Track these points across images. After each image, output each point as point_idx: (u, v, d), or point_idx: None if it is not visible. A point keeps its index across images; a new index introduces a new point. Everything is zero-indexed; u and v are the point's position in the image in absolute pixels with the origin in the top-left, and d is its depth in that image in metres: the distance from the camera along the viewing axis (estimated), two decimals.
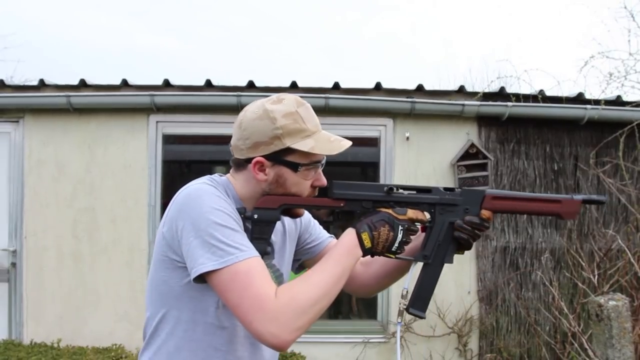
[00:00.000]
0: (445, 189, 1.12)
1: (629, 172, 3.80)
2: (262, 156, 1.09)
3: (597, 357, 2.61)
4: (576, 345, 3.29)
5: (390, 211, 1.09)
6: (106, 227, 3.89)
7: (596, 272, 3.35)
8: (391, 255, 1.09)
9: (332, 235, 1.38)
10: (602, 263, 3.59)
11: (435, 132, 3.96)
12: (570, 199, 1.11)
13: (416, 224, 1.11)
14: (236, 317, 0.99)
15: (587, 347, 3.02)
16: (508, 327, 3.93)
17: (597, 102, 3.86)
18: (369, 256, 1.10)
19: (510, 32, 24.85)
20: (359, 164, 6.01)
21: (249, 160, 1.11)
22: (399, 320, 1.16)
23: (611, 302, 2.53)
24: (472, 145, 3.86)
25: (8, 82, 4.10)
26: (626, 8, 4.39)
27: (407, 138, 3.95)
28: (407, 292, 1.13)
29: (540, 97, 3.91)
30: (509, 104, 3.80)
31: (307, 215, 1.35)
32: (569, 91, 4.20)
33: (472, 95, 3.99)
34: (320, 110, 3.82)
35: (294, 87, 3.92)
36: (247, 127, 1.10)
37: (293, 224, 1.31)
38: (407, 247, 1.12)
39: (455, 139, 3.94)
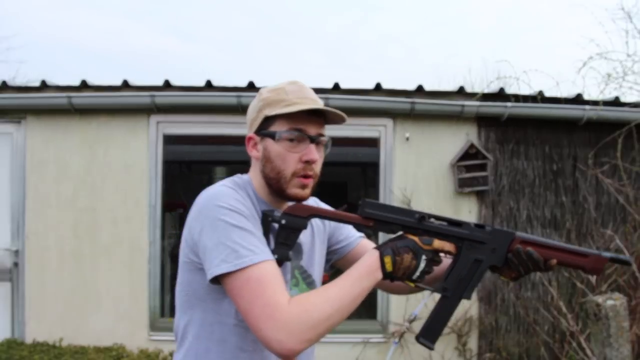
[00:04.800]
0: (477, 225, 1.11)
1: (627, 172, 3.81)
2: (254, 132, 1.14)
3: (595, 355, 2.63)
4: (574, 344, 3.31)
5: (416, 239, 1.07)
6: (107, 227, 3.90)
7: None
8: (411, 283, 1.08)
9: (362, 234, 1.36)
10: None
11: (435, 133, 3.98)
12: (598, 256, 1.09)
13: (441, 254, 1.10)
14: (246, 322, 0.99)
15: (585, 346, 3.04)
16: (507, 326, 3.95)
17: (595, 102, 3.88)
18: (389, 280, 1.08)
19: (510, 33, 24.84)
20: (359, 164, 6.03)
21: None
22: (396, 340, 1.16)
23: (609, 302, 2.55)
24: (472, 146, 3.88)
25: (10, 83, 4.11)
26: (624, 9, 4.40)
27: (407, 138, 3.96)
28: (415, 317, 1.12)
29: (539, 98, 3.92)
30: (509, 104, 3.82)
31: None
32: (568, 92, 4.23)
33: (472, 95, 4.00)
34: None
35: None
36: (248, 112, 1.19)
37: (321, 224, 1.30)
38: (428, 276, 1.11)
39: (454, 140, 3.96)
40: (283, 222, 1.08)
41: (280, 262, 1.07)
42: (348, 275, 1.04)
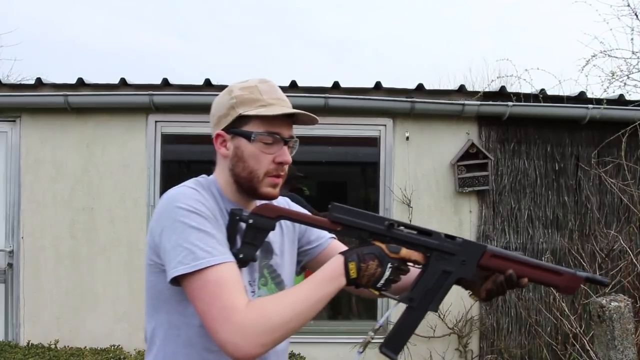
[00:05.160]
0: (447, 236, 1.08)
1: (631, 171, 3.77)
2: (223, 129, 1.13)
3: (599, 358, 2.59)
4: (578, 346, 3.27)
5: (383, 246, 1.05)
6: (104, 227, 3.86)
7: (598, 273, 3.33)
8: (375, 291, 1.06)
9: (334, 236, 1.35)
10: (604, 264, 3.57)
11: (435, 132, 3.94)
12: (573, 275, 1.06)
13: (409, 264, 1.07)
14: (204, 325, 0.98)
15: (588, 348, 3.00)
16: (509, 327, 3.91)
17: (599, 101, 3.84)
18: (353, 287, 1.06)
19: (511, 31, 24.84)
20: (359, 164, 5.99)
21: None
22: (360, 350, 1.12)
23: (613, 303, 2.51)
24: (473, 145, 3.84)
25: (4, 80, 4.07)
26: (629, 6, 4.36)
27: (407, 138, 3.93)
28: (380, 327, 1.09)
29: (541, 97, 3.89)
30: (510, 103, 3.78)
31: (304, 211, 1.33)
32: (571, 90, 4.18)
33: (473, 94, 3.97)
34: (320, 110, 3.79)
35: (293, 86, 3.89)
36: (213, 106, 1.18)
37: (291, 224, 1.29)
38: (396, 285, 1.09)
39: (455, 139, 3.92)
40: (250, 221, 1.07)
41: (246, 262, 1.06)
42: (310, 280, 1.03)
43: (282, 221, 1.25)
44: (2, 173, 3.92)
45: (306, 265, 1.34)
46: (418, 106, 3.80)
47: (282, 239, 1.25)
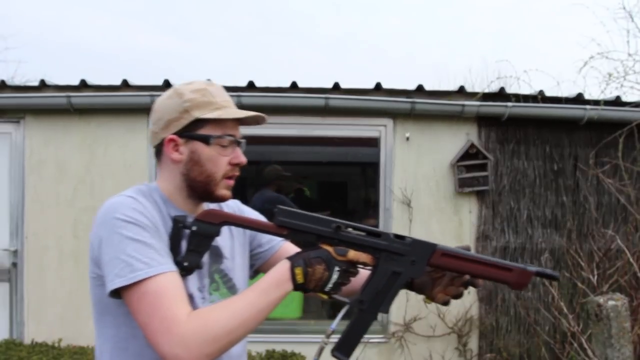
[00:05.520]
0: (397, 236, 1.06)
1: (628, 172, 3.80)
2: (174, 133, 1.09)
3: (597, 356, 2.62)
4: (575, 345, 3.30)
5: (330, 249, 1.03)
6: None
7: (595, 272, 3.36)
8: (324, 296, 1.04)
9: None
10: (601, 263, 3.60)
11: (435, 133, 3.97)
12: (522, 270, 1.05)
13: (358, 266, 1.06)
14: (146, 337, 0.96)
15: (586, 346, 3.03)
16: (508, 327, 3.94)
17: (596, 102, 3.86)
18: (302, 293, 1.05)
19: (511, 33, 24.85)
20: (359, 164, 6.02)
21: (163, 143, 1.11)
22: (315, 357, 1.08)
23: (610, 302, 2.54)
24: (472, 146, 3.87)
25: (9, 82, 4.10)
26: (625, 9, 4.39)
27: (407, 138, 3.95)
28: (332, 332, 1.06)
29: (540, 98, 3.91)
30: (509, 104, 3.81)
31: (259, 217, 1.32)
32: (569, 91, 4.22)
33: (472, 95, 3.99)
34: (320, 111, 3.83)
35: (294, 87, 3.92)
36: (158, 109, 1.13)
37: (238, 213, 1.27)
38: (347, 288, 1.08)
39: (455, 139, 3.95)
40: (194, 228, 1.05)
41: (190, 270, 1.05)
42: (256, 286, 1.01)
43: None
44: (6, 173, 3.95)
45: (259, 269, 1.32)
46: (418, 107, 3.82)
47: (233, 243, 1.24)
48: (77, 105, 3.80)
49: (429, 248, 1.05)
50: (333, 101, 3.76)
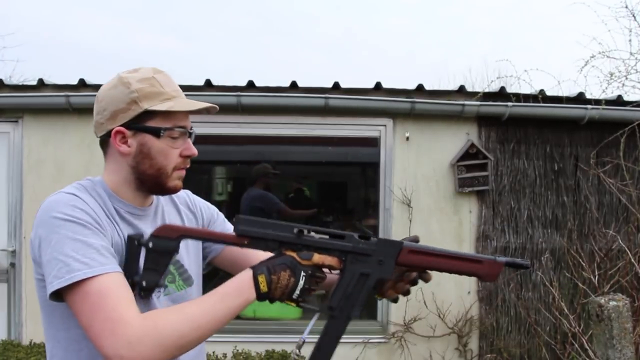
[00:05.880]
0: (361, 236, 1.03)
1: (629, 172, 3.79)
2: (122, 125, 1.04)
3: (598, 357, 2.60)
4: (576, 345, 3.29)
5: (294, 255, 0.99)
6: None
7: (596, 273, 3.34)
8: (292, 303, 1.00)
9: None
10: (602, 263, 3.58)
11: (435, 132, 3.96)
12: (492, 261, 1.04)
13: (324, 270, 1.03)
14: (90, 340, 0.91)
15: (587, 347, 3.02)
16: (508, 327, 3.93)
17: (597, 102, 3.85)
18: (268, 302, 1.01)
19: (511, 32, 24.84)
20: (359, 164, 6.00)
21: (109, 134, 1.05)
22: None
23: (612, 303, 2.52)
24: (472, 145, 3.85)
25: (7, 81, 4.08)
26: (627, 7, 4.37)
27: (407, 138, 3.94)
28: (303, 342, 1.04)
29: (540, 97, 3.90)
30: (509, 104, 3.79)
31: (210, 207, 1.30)
32: (570, 91, 4.20)
33: (472, 95, 3.98)
34: (320, 111, 3.81)
35: (294, 87, 3.91)
36: (103, 98, 1.07)
37: (192, 216, 1.24)
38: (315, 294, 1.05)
39: (455, 139, 3.94)
40: (150, 245, 1.00)
41: (150, 290, 1.00)
42: (214, 292, 0.97)
43: (183, 212, 1.22)
44: (5, 173, 3.94)
45: (212, 262, 1.29)
46: (418, 106, 3.81)
47: None
48: (76, 105, 3.79)
49: (395, 246, 1.02)
50: (333, 101, 3.75)
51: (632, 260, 3.31)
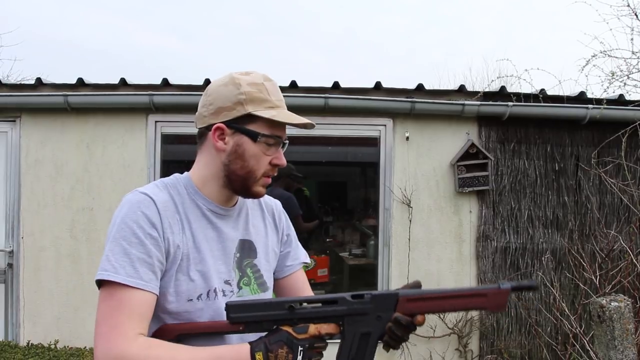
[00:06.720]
0: (354, 296, 1.02)
1: (631, 172, 3.77)
2: (223, 122, 1.08)
3: (599, 358, 2.58)
4: (578, 346, 3.27)
5: (290, 330, 1.00)
6: (105, 228, 3.85)
7: (598, 273, 3.33)
8: None
9: (307, 263, 1.32)
10: (604, 264, 3.56)
11: (435, 132, 3.94)
12: (497, 290, 0.99)
13: (325, 338, 1.03)
14: (94, 332, 0.97)
15: (589, 348, 3.00)
16: (509, 328, 3.91)
17: (599, 101, 3.83)
18: None
19: (511, 31, 24.82)
20: (359, 164, 6.00)
21: (209, 128, 1.09)
22: None
23: (613, 304, 2.50)
24: (473, 145, 3.84)
25: (5, 81, 4.06)
26: (629, 6, 4.35)
27: (407, 138, 3.92)
28: None
29: (541, 97, 3.88)
30: (510, 103, 3.78)
31: (291, 228, 1.32)
32: (571, 90, 4.18)
33: (473, 94, 3.96)
34: (320, 110, 3.79)
35: (293, 86, 3.89)
36: (212, 93, 1.11)
37: (274, 225, 1.27)
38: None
39: (455, 139, 3.92)
40: None
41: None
42: (212, 351, 0.98)
43: (267, 222, 1.25)
44: (2, 173, 3.92)
45: (275, 280, 1.30)
46: (418, 106, 3.79)
47: (266, 241, 1.23)
48: (74, 104, 3.77)
49: (391, 298, 1.01)
50: (333, 101, 3.73)
51: (634, 260, 3.29)
